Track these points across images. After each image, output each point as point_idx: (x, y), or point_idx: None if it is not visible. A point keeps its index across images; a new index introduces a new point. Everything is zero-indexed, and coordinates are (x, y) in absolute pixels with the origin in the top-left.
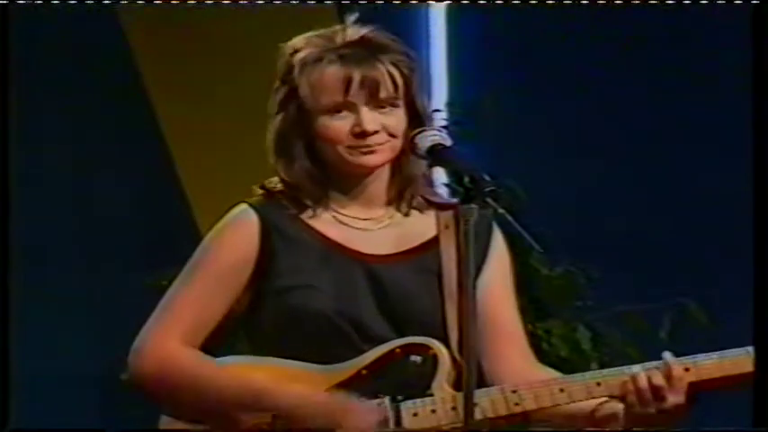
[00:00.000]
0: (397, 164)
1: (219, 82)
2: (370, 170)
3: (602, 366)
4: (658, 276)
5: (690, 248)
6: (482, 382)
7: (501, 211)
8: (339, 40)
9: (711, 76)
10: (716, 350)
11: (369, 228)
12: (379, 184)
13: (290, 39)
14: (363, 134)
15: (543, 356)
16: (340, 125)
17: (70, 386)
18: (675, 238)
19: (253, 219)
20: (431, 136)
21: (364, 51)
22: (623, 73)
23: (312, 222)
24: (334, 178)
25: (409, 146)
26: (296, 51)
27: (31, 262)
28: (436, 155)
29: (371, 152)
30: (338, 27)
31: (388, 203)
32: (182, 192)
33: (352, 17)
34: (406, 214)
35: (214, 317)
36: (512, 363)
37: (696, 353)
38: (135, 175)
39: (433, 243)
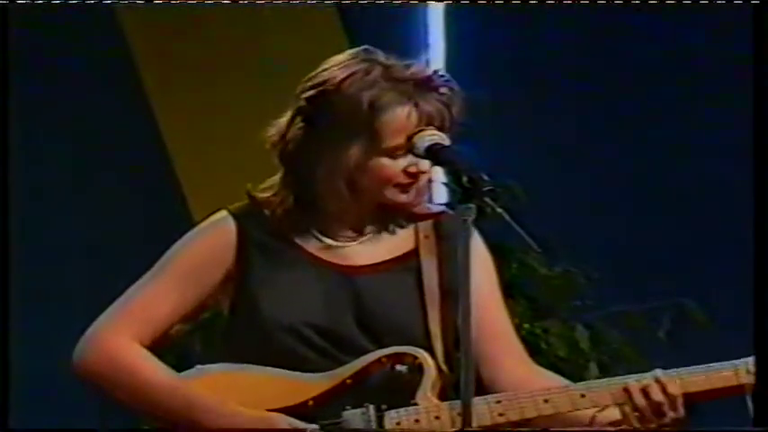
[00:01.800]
0: None
1: (219, 82)
2: (393, 206)
3: (600, 366)
4: (657, 276)
5: (689, 248)
6: (480, 391)
7: (499, 210)
8: (399, 75)
9: (712, 77)
10: (715, 349)
11: (348, 243)
12: (365, 209)
13: (289, 39)
14: (416, 175)
15: (541, 356)
16: (396, 165)
17: (70, 386)
18: (674, 238)
19: (230, 227)
20: (429, 136)
21: (429, 91)
22: (623, 73)
23: (291, 235)
24: (322, 205)
25: (407, 146)
26: (372, 88)
27: (30, 261)
28: (435, 154)
29: (409, 191)
30: (382, 58)
31: (371, 222)
32: (181, 191)
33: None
34: (389, 231)
35: (171, 316)
36: (510, 370)
37: (695, 352)
38: (134, 173)
39: (412, 254)
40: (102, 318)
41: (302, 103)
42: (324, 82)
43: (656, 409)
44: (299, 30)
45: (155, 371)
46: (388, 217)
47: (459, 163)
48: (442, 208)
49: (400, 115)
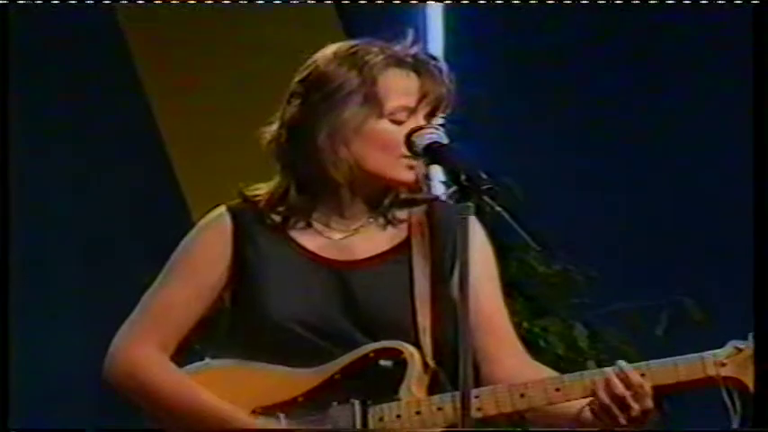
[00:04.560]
0: None
1: (219, 82)
2: (400, 186)
3: (599, 364)
4: (655, 274)
5: (687, 246)
6: (476, 384)
7: (498, 209)
8: (396, 52)
9: (711, 76)
10: (713, 347)
11: (343, 236)
12: (362, 198)
13: (289, 38)
14: None
15: (540, 354)
16: (400, 131)
17: (70, 386)
18: (673, 236)
19: (227, 223)
20: (428, 134)
21: (429, 69)
22: (622, 72)
23: (287, 230)
24: (324, 192)
25: (406, 144)
26: (365, 54)
27: (30, 262)
28: (433, 153)
29: (411, 167)
30: (378, 43)
31: (368, 212)
32: (180, 191)
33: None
34: (386, 222)
35: (191, 318)
36: (507, 364)
37: (692, 350)
38: (134, 174)
39: (405, 245)
40: (124, 329)
41: (295, 86)
42: (315, 60)
43: (621, 402)
44: (297, 30)
45: (177, 381)
46: (387, 203)
47: (458, 161)
48: (436, 195)
49: (398, 74)
